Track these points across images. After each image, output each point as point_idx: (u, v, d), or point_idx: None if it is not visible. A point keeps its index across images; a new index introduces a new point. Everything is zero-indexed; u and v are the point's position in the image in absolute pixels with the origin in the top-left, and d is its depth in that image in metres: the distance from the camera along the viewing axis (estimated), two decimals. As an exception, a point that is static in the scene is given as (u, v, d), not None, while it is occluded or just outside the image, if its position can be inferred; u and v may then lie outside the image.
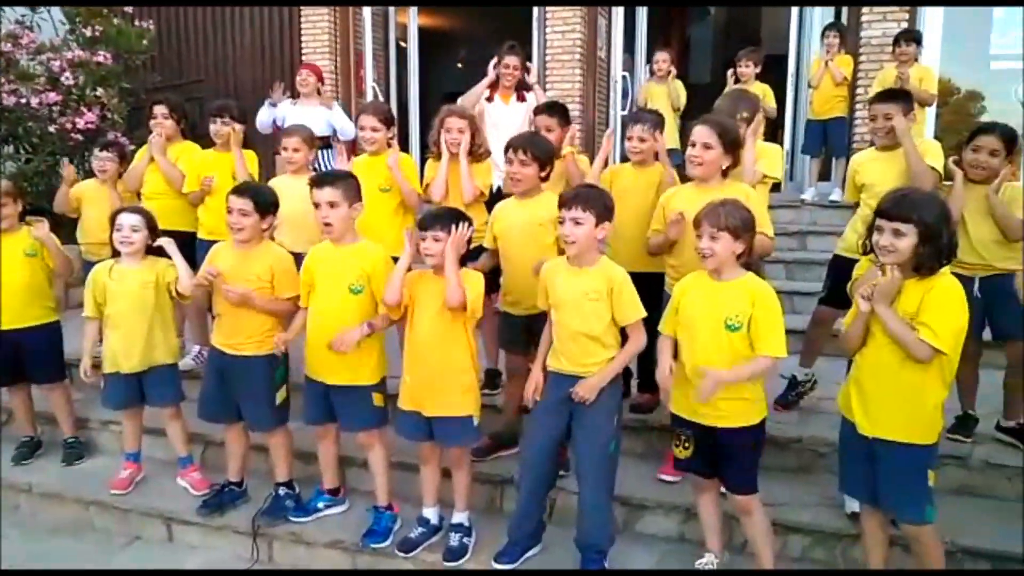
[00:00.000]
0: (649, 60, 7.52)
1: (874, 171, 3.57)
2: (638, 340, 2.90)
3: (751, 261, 2.75)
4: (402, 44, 9.11)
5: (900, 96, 3.58)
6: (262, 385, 3.36)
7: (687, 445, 2.80)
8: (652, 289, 3.52)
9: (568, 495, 3.27)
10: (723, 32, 11.72)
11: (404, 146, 7.00)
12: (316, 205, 3.13)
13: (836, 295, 3.33)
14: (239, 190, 3.32)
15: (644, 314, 2.86)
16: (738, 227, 2.64)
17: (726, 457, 2.76)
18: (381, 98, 8.48)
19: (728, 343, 2.64)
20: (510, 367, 3.64)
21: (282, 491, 3.50)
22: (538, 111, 4.12)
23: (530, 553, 3.12)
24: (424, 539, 3.21)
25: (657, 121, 3.71)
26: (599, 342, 2.88)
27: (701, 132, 3.13)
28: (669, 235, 3.24)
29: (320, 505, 3.49)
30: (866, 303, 2.47)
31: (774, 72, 7.78)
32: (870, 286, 2.46)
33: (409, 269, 3.08)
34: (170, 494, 3.73)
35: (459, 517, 3.21)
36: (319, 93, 5.93)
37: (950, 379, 2.52)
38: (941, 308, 2.40)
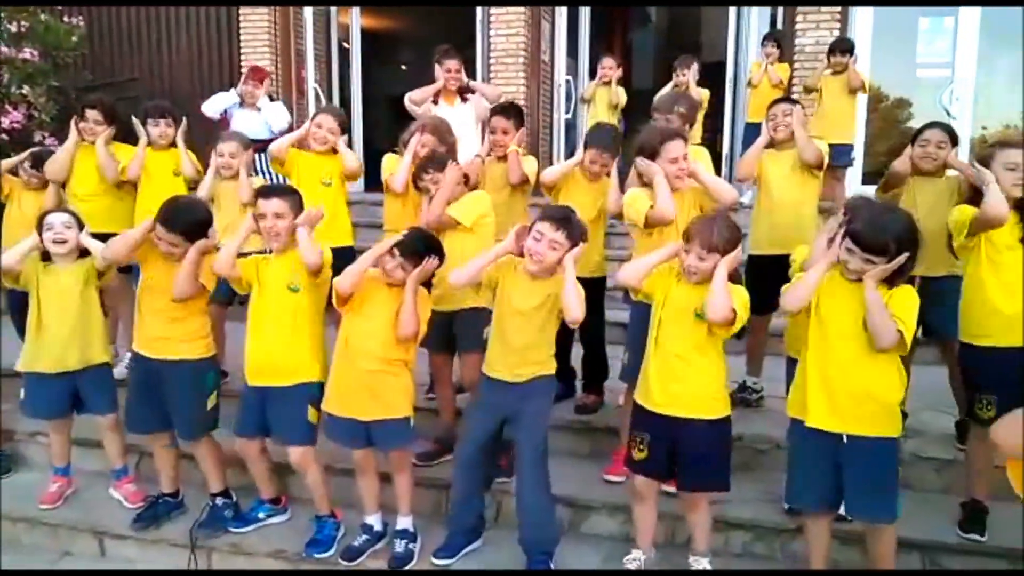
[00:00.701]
0: (592, 64, 7.61)
1: (768, 166, 3.81)
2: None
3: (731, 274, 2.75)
4: (345, 45, 9.00)
5: (792, 101, 3.91)
6: (191, 391, 3.27)
7: (642, 448, 2.82)
8: (593, 295, 3.56)
9: (512, 498, 3.26)
10: (664, 39, 11.93)
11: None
12: (262, 215, 3.08)
13: (759, 299, 3.38)
14: (167, 222, 3.14)
15: (580, 315, 2.84)
16: (727, 245, 2.66)
17: (689, 455, 2.75)
18: (323, 99, 8.36)
19: (696, 333, 2.71)
20: (436, 372, 3.62)
21: (219, 501, 3.41)
22: (494, 112, 4.14)
23: (469, 548, 3.13)
24: (368, 546, 3.17)
25: (616, 138, 3.78)
26: (542, 348, 2.94)
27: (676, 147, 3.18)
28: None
29: (261, 515, 3.41)
30: (832, 261, 2.55)
31: (714, 78, 7.97)
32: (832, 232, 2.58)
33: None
34: (103, 507, 3.59)
35: (403, 523, 3.18)
36: (268, 94, 5.90)
37: (903, 373, 2.61)
38: (906, 308, 2.51)
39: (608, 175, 3.66)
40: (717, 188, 3.24)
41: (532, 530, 3.00)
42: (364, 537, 3.18)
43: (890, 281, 2.53)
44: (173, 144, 4.39)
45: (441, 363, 3.57)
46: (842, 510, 2.82)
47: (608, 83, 6.97)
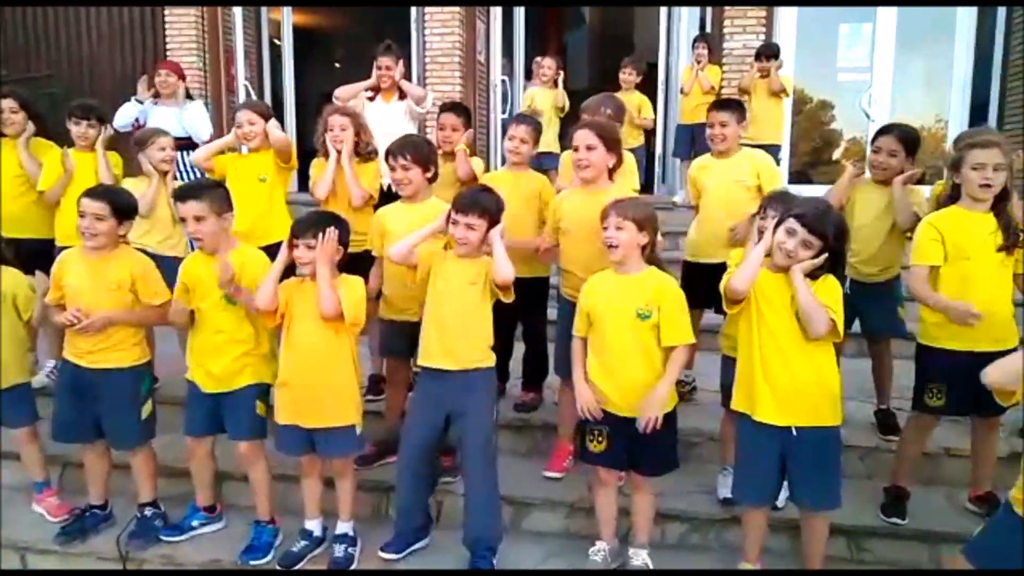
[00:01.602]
0: (528, 65, 7.65)
1: (710, 175, 3.80)
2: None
3: (654, 257, 2.86)
4: (276, 42, 8.83)
5: (734, 105, 3.82)
6: (127, 400, 3.16)
7: (600, 440, 2.86)
8: (535, 294, 3.61)
9: (455, 497, 3.27)
10: (598, 40, 12.09)
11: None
12: (182, 219, 3.00)
13: (692, 297, 3.47)
14: (94, 193, 3.10)
15: (512, 275, 2.88)
16: (643, 219, 2.76)
17: (645, 445, 2.80)
18: (254, 97, 8.18)
19: (639, 334, 2.75)
20: (391, 374, 3.60)
21: (148, 511, 3.31)
22: (443, 109, 4.14)
23: (416, 546, 3.13)
24: (307, 552, 3.12)
25: (537, 127, 3.79)
26: (479, 331, 2.94)
27: (583, 135, 3.20)
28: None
29: (195, 523, 3.31)
30: (768, 246, 2.63)
31: (647, 80, 8.12)
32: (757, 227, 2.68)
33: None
34: (24, 522, 3.43)
35: (343, 527, 3.14)
36: (188, 94, 5.66)
37: (838, 365, 2.71)
38: (832, 295, 2.61)
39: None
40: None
41: (478, 528, 3.01)
42: (303, 543, 3.13)
43: (813, 276, 2.62)
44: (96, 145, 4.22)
45: (398, 365, 3.54)
46: (779, 501, 2.94)
47: (550, 84, 6.98)
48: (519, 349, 3.95)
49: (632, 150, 6.48)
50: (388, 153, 3.37)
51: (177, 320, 3.13)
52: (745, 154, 3.80)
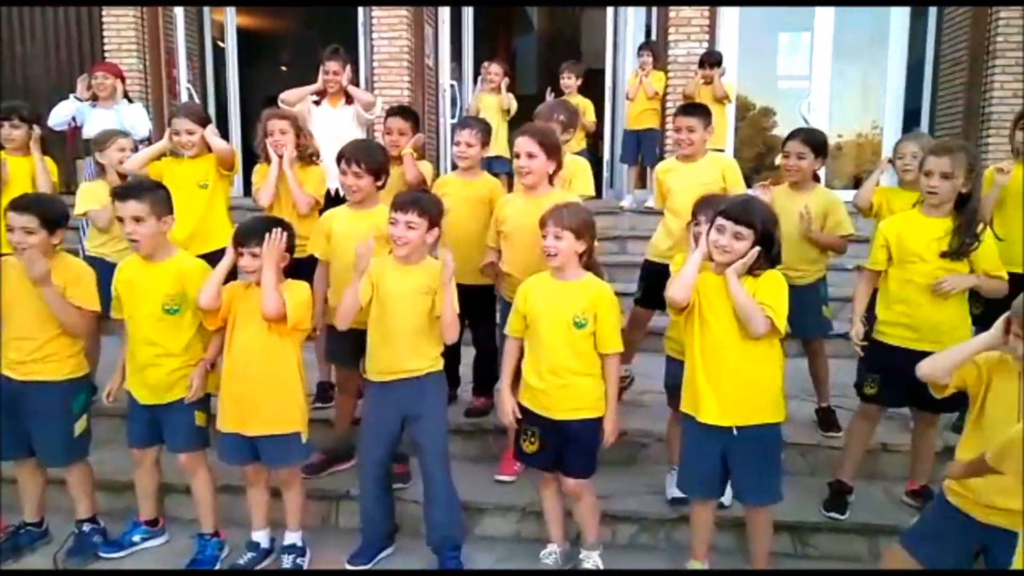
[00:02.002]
0: (477, 69, 7.66)
1: (676, 179, 3.84)
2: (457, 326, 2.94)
3: (591, 263, 2.88)
4: (220, 44, 8.66)
5: (701, 110, 3.87)
6: (58, 415, 3.03)
7: (533, 440, 2.88)
8: (483, 301, 3.61)
9: (406, 504, 3.25)
10: (546, 46, 12.17)
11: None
12: (120, 219, 2.92)
13: (649, 297, 3.54)
14: (19, 205, 2.93)
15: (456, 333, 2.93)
16: (580, 227, 2.77)
17: (571, 446, 2.84)
18: (197, 100, 8.00)
19: (574, 341, 2.77)
20: (341, 382, 3.56)
21: (86, 527, 3.20)
22: (391, 113, 4.10)
23: (384, 553, 3.11)
24: (254, 563, 3.06)
25: (486, 129, 3.79)
26: (428, 339, 2.91)
27: (523, 142, 3.23)
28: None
29: (136, 538, 3.21)
30: (705, 253, 2.65)
31: (594, 85, 8.22)
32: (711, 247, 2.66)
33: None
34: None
35: (291, 538, 3.09)
36: (126, 95, 5.51)
37: (782, 363, 2.77)
38: (775, 294, 2.64)
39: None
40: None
41: (444, 528, 3.00)
42: (250, 555, 3.07)
43: (755, 274, 2.66)
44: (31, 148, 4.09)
45: (347, 373, 3.49)
46: (725, 499, 3.00)
47: (497, 90, 7.02)
48: (468, 354, 3.95)
49: (577, 154, 6.60)
50: (341, 157, 3.32)
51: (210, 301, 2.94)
52: (711, 158, 3.86)
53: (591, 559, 2.98)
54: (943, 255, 2.98)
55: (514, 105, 7.01)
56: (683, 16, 7.43)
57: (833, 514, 3.23)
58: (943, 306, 3.01)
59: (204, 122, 3.95)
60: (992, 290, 3.00)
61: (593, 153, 7.64)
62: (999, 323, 2.21)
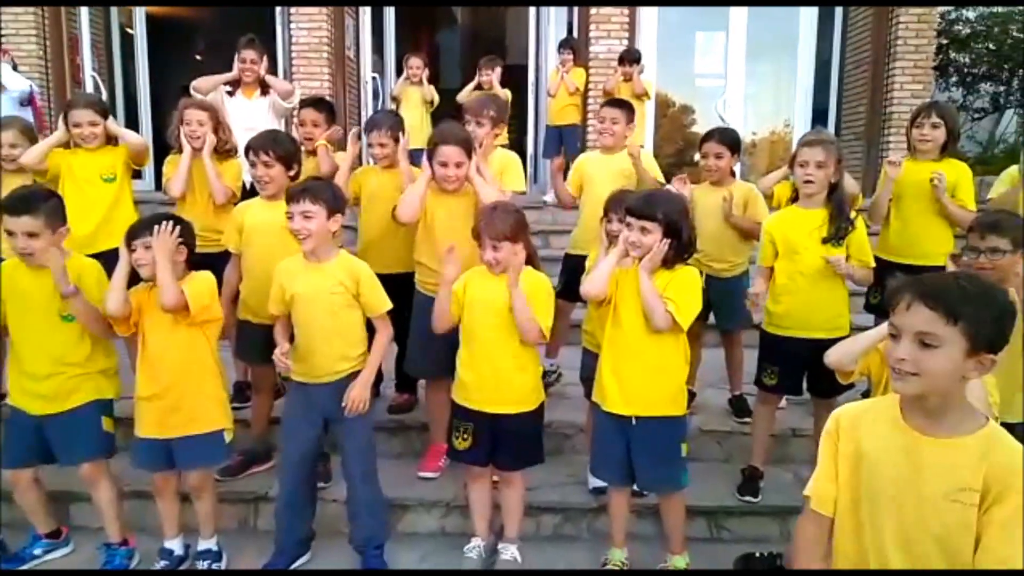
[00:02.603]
0: (399, 63, 7.58)
1: (596, 169, 3.91)
2: (386, 332, 2.92)
3: (528, 255, 2.84)
4: (128, 31, 8.28)
5: (625, 104, 3.97)
6: None
7: (466, 436, 2.87)
8: (403, 290, 3.56)
9: (327, 504, 3.19)
10: (470, 40, 12.14)
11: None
12: (9, 232, 2.72)
13: (569, 289, 3.58)
14: (13, 206, 2.74)
15: (390, 305, 2.88)
16: (515, 234, 2.75)
17: (508, 440, 2.85)
18: (103, 89, 7.66)
19: (509, 331, 2.77)
20: (256, 380, 3.47)
21: (-18, 542, 3.03)
22: (304, 104, 4.01)
23: (301, 561, 3.04)
24: (168, 571, 2.96)
25: (397, 123, 3.75)
26: (349, 340, 2.85)
27: (450, 153, 3.18)
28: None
29: (37, 551, 3.05)
30: (630, 252, 2.68)
31: (518, 80, 8.25)
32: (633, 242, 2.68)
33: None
34: None
35: (206, 544, 3.00)
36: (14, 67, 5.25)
37: (687, 357, 2.84)
38: (683, 289, 2.70)
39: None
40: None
41: (367, 528, 2.96)
42: (163, 563, 2.96)
43: (671, 267, 2.72)
44: None
45: (262, 371, 3.40)
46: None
47: (419, 82, 6.98)
48: (392, 350, 3.91)
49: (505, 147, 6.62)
50: (249, 149, 3.24)
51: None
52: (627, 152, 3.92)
53: (509, 551, 3.00)
54: (824, 241, 3.14)
55: (436, 97, 6.99)
56: (603, 14, 7.55)
57: (747, 498, 3.34)
58: (828, 294, 3.17)
59: (105, 113, 3.78)
60: (861, 278, 3.20)
61: (517, 148, 7.67)
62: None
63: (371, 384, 2.88)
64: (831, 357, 2.50)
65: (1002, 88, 7.93)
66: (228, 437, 2.92)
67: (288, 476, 2.95)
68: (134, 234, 2.76)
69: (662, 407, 2.76)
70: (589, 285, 2.76)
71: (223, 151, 3.78)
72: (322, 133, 3.87)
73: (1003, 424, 1.66)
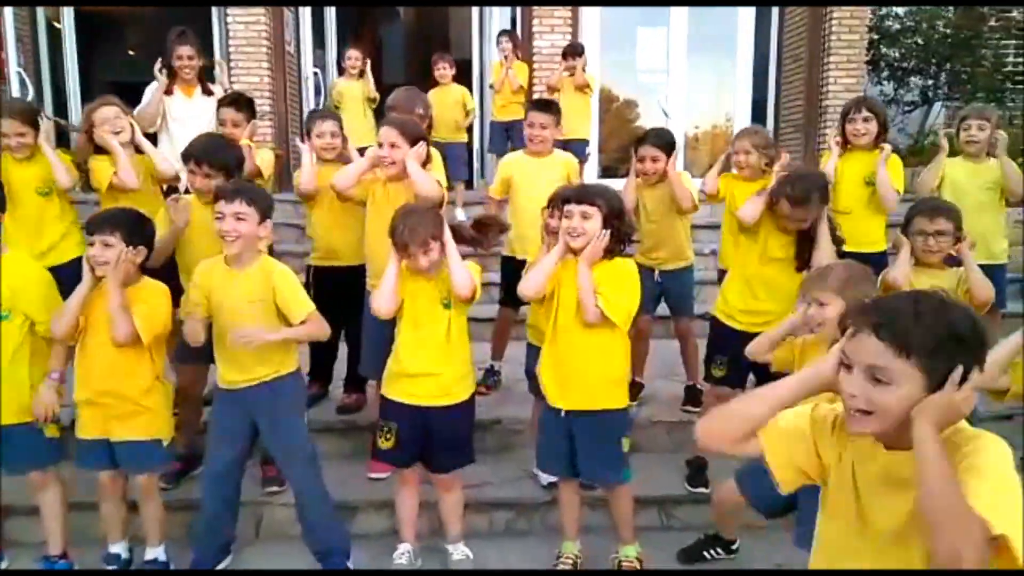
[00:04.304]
0: (340, 57, 7.46)
1: (523, 174, 3.91)
2: (313, 326, 2.78)
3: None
4: (56, 24, 7.96)
5: (551, 107, 3.99)
6: None
7: (389, 436, 2.84)
8: (353, 290, 3.55)
9: (273, 508, 3.14)
10: (413, 35, 12.03)
11: (62, 141, 6.11)
12: None
13: (512, 294, 3.55)
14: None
15: (310, 308, 2.75)
16: (435, 233, 2.73)
17: (440, 436, 2.83)
18: (30, 87, 7.34)
19: (441, 323, 2.77)
20: (183, 384, 3.36)
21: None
22: (221, 104, 3.92)
23: (220, 567, 2.98)
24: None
25: (339, 118, 3.72)
26: (271, 345, 2.74)
27: (387, 133, 3.18)
28: None
29: (-29, 567, 2.94)
30: (570, 244, 2.70)
31: (462, 75, 8.20)
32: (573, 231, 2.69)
33: None
34: None
35: (153, 552, 2.93)
36: None
37: (627, 351, 2.86)
38: (617, 283, 2.73)
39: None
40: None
41: (321, 532, 2.91)
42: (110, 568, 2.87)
43: (610, 255, 2.75)
44: None
45: (192, 375, 3.32)
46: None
47: (361, 75, 6.86)
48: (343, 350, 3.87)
49: (457, 144, 6.60)
50: (187, 157, 3.16)
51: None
52: (558, 155, 3.98)
53: (459, 551, 3.00)
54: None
55: (376, 94, 6.85)
56: (546, 9, 7.55)
57: (700, 489, 3.40)
58: (778, 287, 3.22)
59: (35, 122, 3.59)
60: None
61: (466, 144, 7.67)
62: (800, 311, 2.44)
63: (272, 338, 2.69)
64: (749, 349, 2.64)
65: (930, 82, 8.20)
66: (165, 443, 2.85)
67: (211, 481, 2.88)
68: (93, 227, 2.66)
69: (600, 400, 2.79)
70: (526, 285, 2.80)
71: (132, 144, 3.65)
72: (242, 132, 3.76)
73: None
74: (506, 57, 7.02)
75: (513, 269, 3.83)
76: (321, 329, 2.81)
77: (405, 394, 2.82)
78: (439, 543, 3.07)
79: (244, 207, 2.67)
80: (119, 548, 2.92)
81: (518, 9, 7.94)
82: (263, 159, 3.81)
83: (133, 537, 2.97)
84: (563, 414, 2.80)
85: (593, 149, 7.46)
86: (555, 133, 3.85)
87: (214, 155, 3.13)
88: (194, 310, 2.76)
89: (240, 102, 3.89)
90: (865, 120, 3.92)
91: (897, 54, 8.12)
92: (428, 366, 2.79)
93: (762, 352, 2.63)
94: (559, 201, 2.91)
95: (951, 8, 8.05)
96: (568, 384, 2.79)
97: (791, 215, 3.06)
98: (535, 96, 7.23)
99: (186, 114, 4.56)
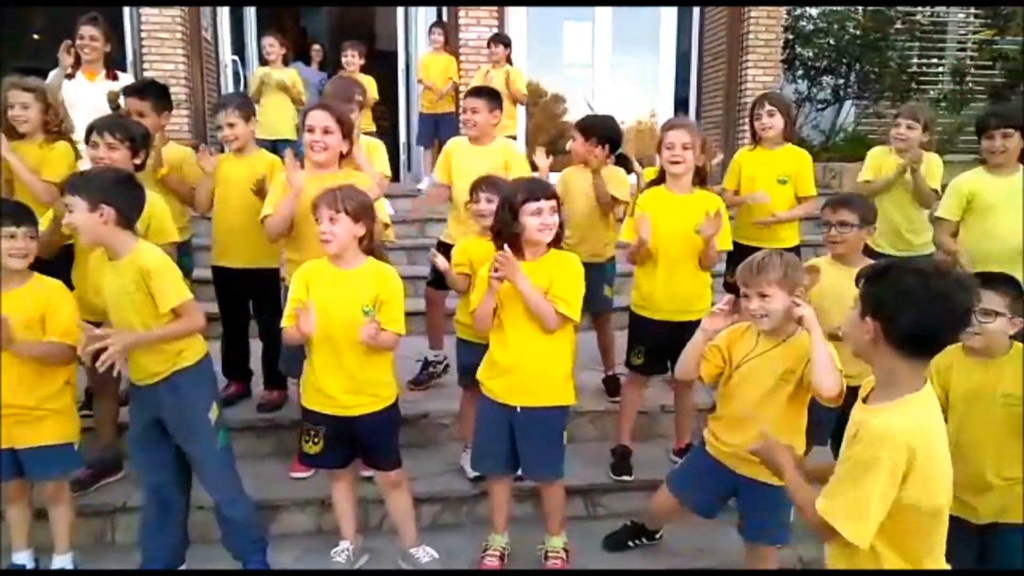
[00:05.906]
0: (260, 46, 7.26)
1: (464, 160, 3.86)
2: (191, 321, 2.58)
3: (373, 247, 2.79)
4: (-51, 6, 7.46)
5: (487, 93, 3.93)
6: None
7: (316, 440, 2.78)
8: (266, 287, 3.46)
9: (193, 511, 3.03)
10: (337, 24, 11.79)
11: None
12: None
13: (441, 279, 3.54)
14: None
15: (185, 297, 2.55)
16: (356, 209, 2.64)
17: (369, 441, 2.80)
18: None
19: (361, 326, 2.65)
20: (96, 384, 3.23)
21: None
22: (127, 92, 3.73)
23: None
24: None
25: (244, 103, 3.61)
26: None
27: (320, 117, 3.10)
28: None
29: None
30: (498, 282, 2.66)
31: (388, 67, 8.12)
32: (496, 262, 2.64)
33: None
34: None
35: (61, 560, 2.80)
36: None
37: (574, 346, 2.89)
38: (569, 282, 2.74)
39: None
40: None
41: (237, 528, 2.81)
42: (10, 582, 2.73)
43: (553, 243, 2.78)
44: None
45: (106, 378, 3.15)
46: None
47: (276, 63, 6.67)
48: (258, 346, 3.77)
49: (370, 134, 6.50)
50: (92, 129, 3.01)
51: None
52: (500, 144, 3.94)
53: (426, 554, 2.97)
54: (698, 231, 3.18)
55: (298, 81, 6.68)
56: (473, -1, 7.54)
57: (623, 477, 3.46)
58: (694, 278, 3.30)
59: None
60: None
61: (392, 136, 7.58)
62: (722, 304, 2.50)
63: (135, 345, 2.51)
64: (677, 373, 2.70)
65: (841, 81, 8.53)
66: (76, 447, 2.74)
67: (150, 486, 2.77)
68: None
69: (549, 396, 2.80)
70: (479, 324, 2.81)
71: (53, 131, 3.40)
72: (150, 124, 3.50)
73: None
74: (434, 46, 6.96)
75: (448, 255, 3.80)
76: (192, 324, 2.59)
77: (328, 405, 2.74)
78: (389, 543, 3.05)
79: (70, 197, 2.48)
80: (23, 557, 2.79)
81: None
82: (175, 153, 3.65)
83: (39, 548, 2.83)
84: (511, 410, 2.78)
85: (521, 144, 7.49)
86: (489, 119, 3.81)
87: (119, 128, 3.01)
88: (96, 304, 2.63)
89: (146, 90, 3.67)
90: (770, 115, 4.02)
91: (811, 54, 8.40)
92: (348, 386, 2.72)
93: (690, 371, 2.61)
94: (490, 187, 2.94)
95: (860, 10, 8.39)
96: (518, 380, 2.77)
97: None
98: (463, 87, 7.20)
99: (85, 99, 4.26)
